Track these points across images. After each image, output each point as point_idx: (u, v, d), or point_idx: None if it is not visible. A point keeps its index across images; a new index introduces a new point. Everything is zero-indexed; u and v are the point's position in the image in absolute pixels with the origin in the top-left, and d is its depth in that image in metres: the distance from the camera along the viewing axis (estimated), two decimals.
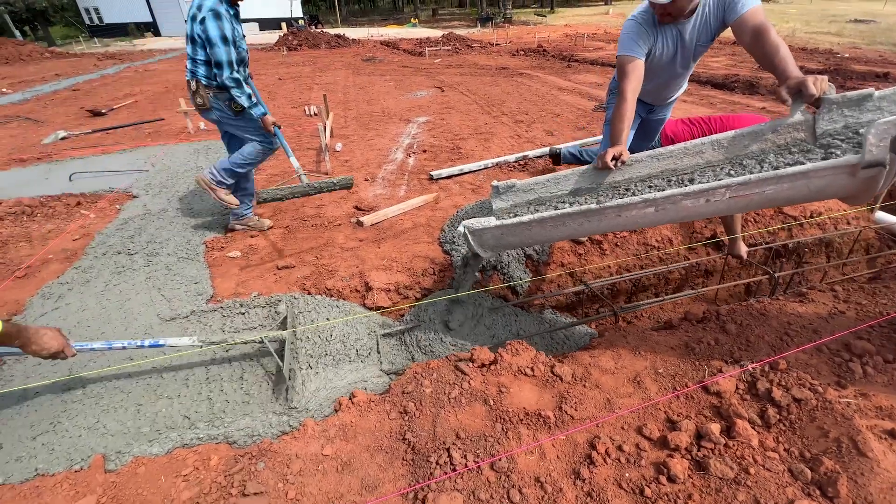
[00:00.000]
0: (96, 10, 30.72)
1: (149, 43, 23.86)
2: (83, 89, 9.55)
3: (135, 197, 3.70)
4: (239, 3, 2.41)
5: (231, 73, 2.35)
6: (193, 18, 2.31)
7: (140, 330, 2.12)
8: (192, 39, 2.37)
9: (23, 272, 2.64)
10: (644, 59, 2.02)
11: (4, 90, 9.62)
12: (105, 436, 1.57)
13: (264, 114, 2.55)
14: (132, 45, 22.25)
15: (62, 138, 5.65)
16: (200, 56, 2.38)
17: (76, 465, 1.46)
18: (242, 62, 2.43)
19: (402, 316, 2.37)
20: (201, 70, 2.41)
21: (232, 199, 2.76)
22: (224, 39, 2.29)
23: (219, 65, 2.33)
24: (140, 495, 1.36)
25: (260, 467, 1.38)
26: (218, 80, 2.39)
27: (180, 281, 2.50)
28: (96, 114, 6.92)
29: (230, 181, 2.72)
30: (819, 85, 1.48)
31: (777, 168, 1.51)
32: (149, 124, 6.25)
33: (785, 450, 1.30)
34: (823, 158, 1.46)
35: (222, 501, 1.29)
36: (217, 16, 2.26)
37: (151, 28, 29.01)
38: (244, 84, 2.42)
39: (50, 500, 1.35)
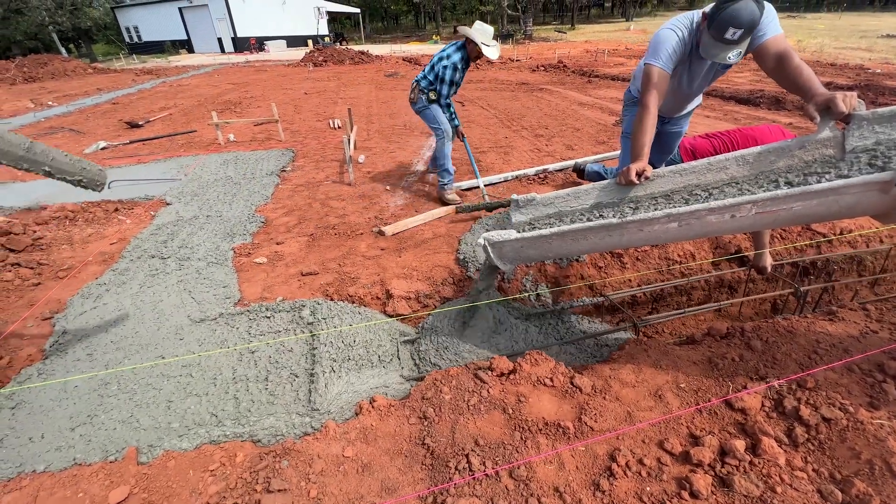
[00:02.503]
0: (136, 28, 32.53)
1: (183, 59, 25.05)
2: (122, 103, 10.08)
3: (168, 204, 3.87)
4: (474, 63, 3.63)
5: (445, 99, 3.55)
6: (440, 59, 3.41)
7: (171, 330, 2.21)
8: (432, 67, 3.48)
9: (65, 273, 2.79)
10: (671, 71, 1.99)
11: (51, 103, 10.24)
12: (138, 429, 1.64)
13: (457, 126, 3.76)
14: (167, 62, 23.39)
15: (102, 148, 5.97)
16: (430, 77, 3.49)
17: (111, 456, 1.53)
18: (454, 87, 3.54)
19: (419, 324, 2.40)
20: (423, 82, 3.51)
21: (453, 198, 3.68)
22: (451, 82, 3.44)
23: (439, 93, 3.50)
24: (170, 488, 1.41)
25: (283, 465, 1.42)
26: (437, 95, 3.51)
27: (209, 284, 2.60)
28: (133, 126, 7.30)
29: (447, 179, 3.66)
30: (848, 101, 1.46)
31: (804, 184, 1.49)
32: (182, 136, 6.54)
33: (814, 470, 1.27)
34: (853, 175, 1.44)
35: (247, 497, 1.33)
36: (455, 67, 3.37)
37: (186, 45, 30.47)
38: (451, 107, 3.69)
39: (87, 488, 1.41)
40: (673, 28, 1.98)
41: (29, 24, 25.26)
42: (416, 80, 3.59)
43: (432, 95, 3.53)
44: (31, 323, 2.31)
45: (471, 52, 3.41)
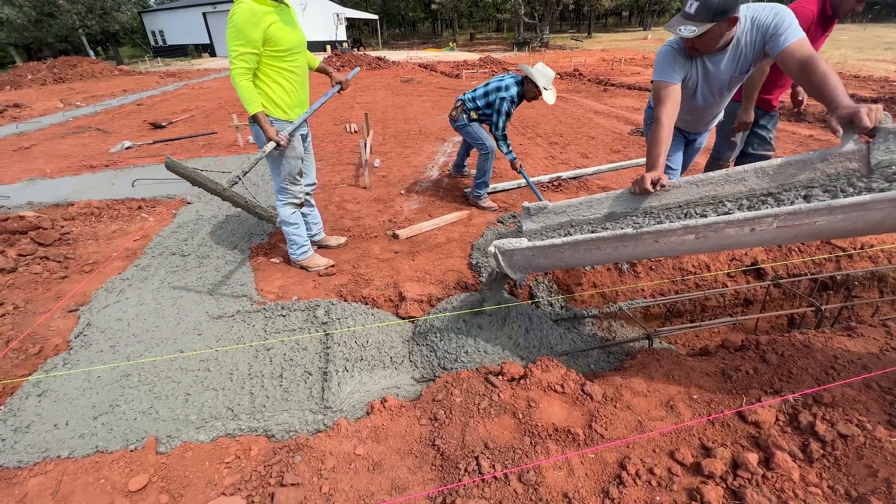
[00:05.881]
0: (161, 32, 33.53)
1: (205, 63, 25.69)
2: (146, 104, 10.38)
3: (189, 203, 3.98)
4: (529, 101, 3.46)
5: (501, 132, 3.42)
6: (498, 90, 3.37)
7: (190, 326, 2.27)
8: (486, 94, 3.43)
9: (90, 267, 2.88)
10: (680, 83, 1.99)
11: (79, 103, 10.60)
12: (157, 420, 1.69)
13: (514, 159, 3.49)
14: (190, 65, 24.01)
15: (127, 148, 6.17)
16: (481, 102, 3.46)
17: (131, 445, 1.58)
18: (508, 119, 3.45)
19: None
20: (470, 104, 3.51)
21: (490, 205, 3.68)
22: (507, 115, 3.38)
23: (496, 125, 3.41)
24: (187, 478, 1.45)
25: (297, 460, 1.45)
26: (494, 132, 3.46)
27: (227, 282, 2.67)
28: (157, 126, 7.52)
29: (483, 191, 3.68)
30: (873, 115, 1.42)
31: (827, 199, 1.47)
32: (202, 137, 6.72)
33: (829, 486, 1.25)
34: (880, 190, 1.41)
35: (262, 489, 1.37)
36: (512, 101, 3.35)
37: (208, 49, 31.26)
38: (507, 139, 3.48)
39: (108, 475, 1.46)
40: (668, 43, 2.03)
41: (60, 28, 26.23)
42: (461, 99, 3.56)
43: (474, 115, 3.50)
44: (57, 315, 2.40)
45: (527, 92, 3.36)
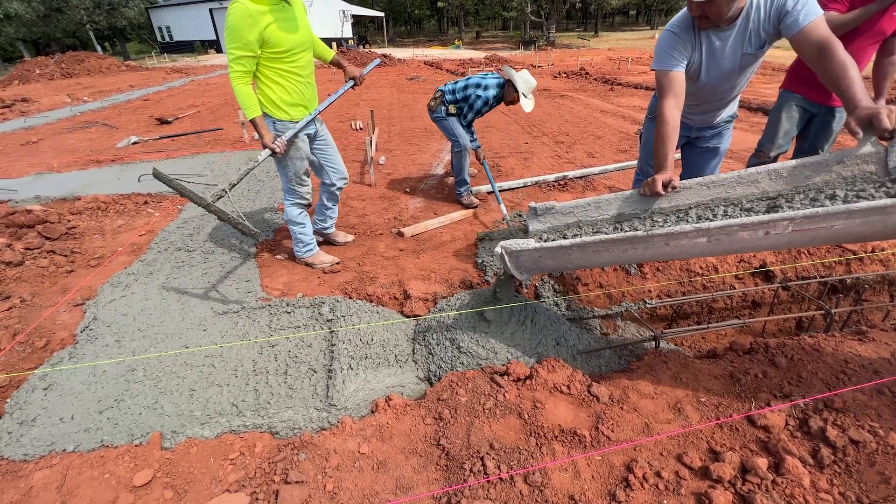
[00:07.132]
0: (168, 28, 33.63)
1: (211, 59, 25.73)
2: (153, 99, 10.42)
3: None
4: (507, 104, 3.51)
5: (467, 122, 3.56)
6: (477, 86, 3.40)
7: (195, 322, 2.27)
8: (465, 87, 3.47)
9: (96, 261, 2.89)
10: (683, 70, 1.88)
11: (86, 98, 10.65)
12: (162, 416, 1.69)
13: (478, 147, 3.70)
14: (197, 61, 24.07)
15: (133, 143, 6.19)
16: (459, 95, 3.47)
17: (136, 440, 1.58)
18: (478, 116, 3.55)
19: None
20: (449, 96, 3.51)
21: (472, 201, 3.74)
22: (478, 112, 3.47)
23: (464, 116, 3.51)
24: (191, 473, 1.45)
25: (301, 458, 1.45)
26: (458, 113, 3.53)
27: (232, 278, 2.67)
28: (163, 122, 7.54)
29: (464, 188, 3.75)
30: (893, 117, 1.37)
31: (844, 202, 1.44)
32: (208, 133, 6.73)
33: (840, 493, 1.23)
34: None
35: (266, 486, 1.36)
36: (487, 102, 3.40)
37: (214, 45, 31.32)
38: (471, 129, 3.66)
39: (113, 470, 1.47)
40: (667, 28, 1.93)
41: (68, 23, 26.36)
42: (441, 90, 3.55)
43: (452, 110, 3.51)
44: (63, 308, 2.41)
45: (506, 96, 3.40)
